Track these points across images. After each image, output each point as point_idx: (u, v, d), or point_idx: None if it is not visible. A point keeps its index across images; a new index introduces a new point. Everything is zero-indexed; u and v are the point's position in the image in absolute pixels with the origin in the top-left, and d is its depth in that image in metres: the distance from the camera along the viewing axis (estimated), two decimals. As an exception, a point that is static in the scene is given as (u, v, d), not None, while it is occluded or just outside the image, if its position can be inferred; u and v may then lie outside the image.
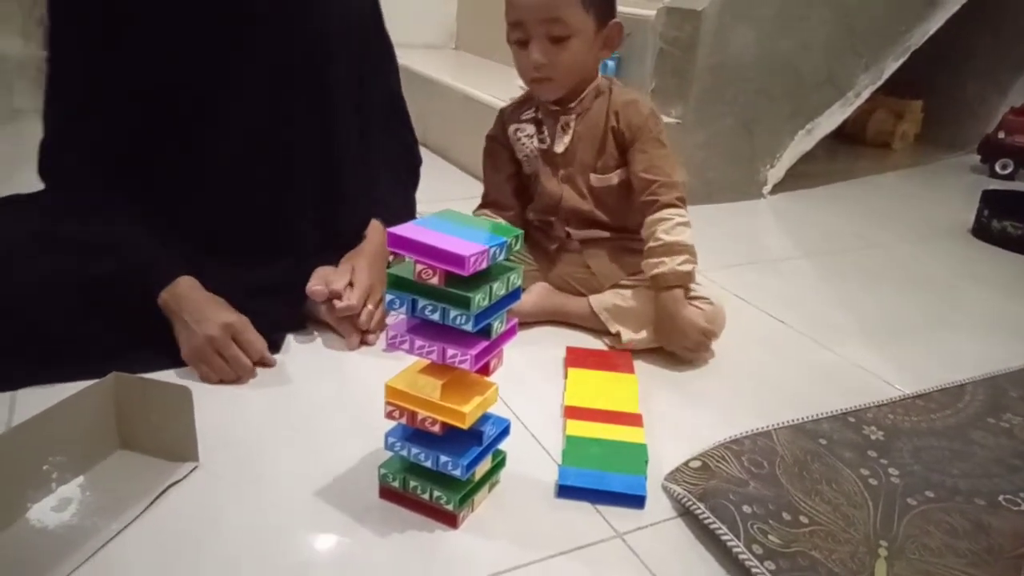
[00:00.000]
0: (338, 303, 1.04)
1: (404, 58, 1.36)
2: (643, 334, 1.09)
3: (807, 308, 1.32)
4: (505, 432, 0.78)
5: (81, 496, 0.75)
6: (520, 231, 0.73)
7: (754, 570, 0.68)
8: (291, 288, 1.06)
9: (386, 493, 0.77)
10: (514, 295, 0.74)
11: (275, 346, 1.02)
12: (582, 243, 1.19)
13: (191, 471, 0.79)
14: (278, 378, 0.98)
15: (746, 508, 0.75)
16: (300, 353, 1.05)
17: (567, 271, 1.19)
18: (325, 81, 1.08)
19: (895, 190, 2.13)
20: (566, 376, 1.02)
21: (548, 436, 0.90)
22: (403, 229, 0.69)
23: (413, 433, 0.75)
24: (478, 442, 0.74)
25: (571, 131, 1.15)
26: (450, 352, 0.69)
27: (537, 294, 1.16)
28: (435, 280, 0.67)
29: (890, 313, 1.33)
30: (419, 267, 0.68)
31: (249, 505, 0.76)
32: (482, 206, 1.24)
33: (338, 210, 1.14)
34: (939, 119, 2.57)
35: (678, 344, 1.07)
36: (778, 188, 1.96)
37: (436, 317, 0.69)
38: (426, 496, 0.74)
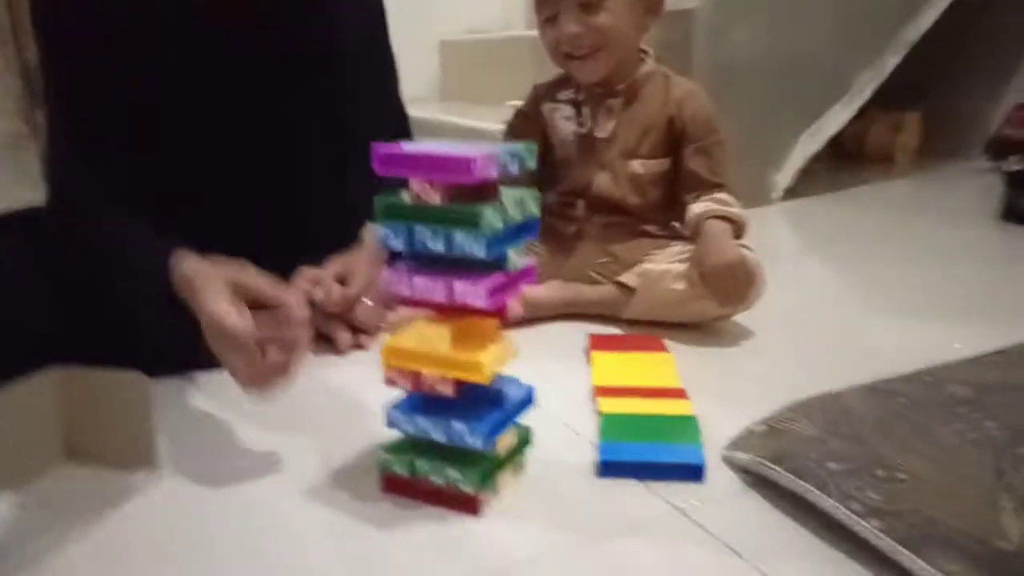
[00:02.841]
0: (328, 293, 0.91)
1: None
2: (674, 266, 0.99)
3: (845, 292, 1.21)
4: (529, 399, 0.65)
5: (14, 516, 0.61)
6: (534, 145, 0.61)
7: (857, 528, 0.54)
8: None
9: (391, 483, 0.63)
10: (530, 227, 0.62)
11: None
12: (603, 228, 1.08)
13: (152, 480, 0.66)
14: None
15: (832, 465, 0.61)
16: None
17: (584, 261, 1.07)
18: (333, 80, 0.99)
19: (910, 192, 2.05)
20: (590, 362, 0.89)
21: (578, 419, 0.77)
22: (394, 147, 0.58)
23: (420, 403, 0.62)
24: (499, 406, 0.61)
25: (615, 115, 1.06)
26: (459, 286, 0.57)
27: (551, 285, 1.05)
28: (437, 198, 0.56)
29: (938, 289, 1.20)
30: (416, 185, 0.57)
31: (223, 519, 0.62)
32: None
33: (347, 214, 1.01)
34: (940, 129, 2.50)
35: (718, 274, 0.94)
36: (789, 195, 1.86)
37: (440, 247, 0.57)
38: (440, 480, 0.61)
